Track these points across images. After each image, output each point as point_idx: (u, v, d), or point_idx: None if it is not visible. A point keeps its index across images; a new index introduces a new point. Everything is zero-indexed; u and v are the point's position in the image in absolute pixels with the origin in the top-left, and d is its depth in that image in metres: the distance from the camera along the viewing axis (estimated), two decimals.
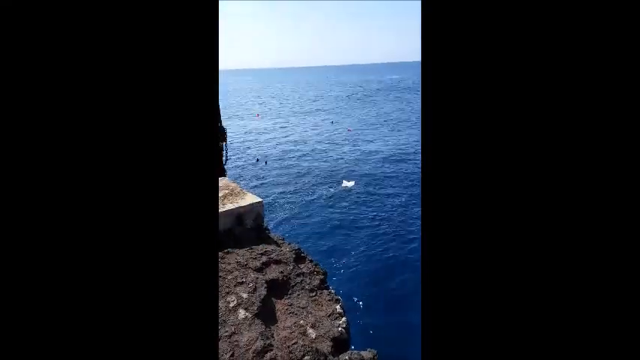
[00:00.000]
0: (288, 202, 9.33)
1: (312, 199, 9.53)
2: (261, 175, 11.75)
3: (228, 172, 4.81)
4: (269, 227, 2.82)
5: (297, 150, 15.22)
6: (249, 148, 15.65)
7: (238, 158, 13.60)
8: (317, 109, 28.86)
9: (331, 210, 8.77)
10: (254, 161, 13.09)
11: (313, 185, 10.65)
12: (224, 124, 5.75)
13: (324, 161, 13.31)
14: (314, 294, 1.95)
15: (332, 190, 10.15)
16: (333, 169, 12.18)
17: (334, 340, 1.61)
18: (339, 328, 1.69)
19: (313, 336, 1.61)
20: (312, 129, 20.24)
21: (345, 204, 9.10)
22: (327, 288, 2.04)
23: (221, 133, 5.63)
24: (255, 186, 10.41)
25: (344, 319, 1.76)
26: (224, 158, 5.79)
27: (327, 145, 16.04)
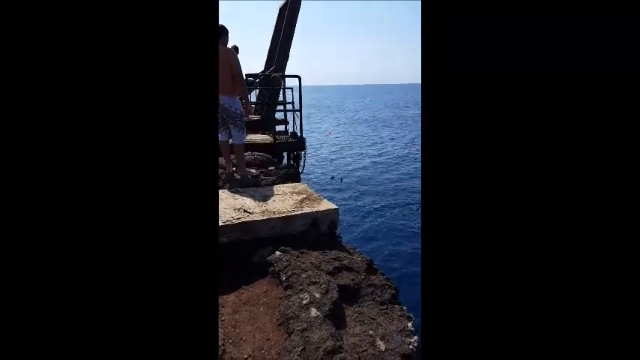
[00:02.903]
0: (362, 215, 9.24)
1: (388, 214, 9.29)
2: (337, 187, 11.87)
3: (304, 182, 5.00)
4: (341, 236, 2.84)
5: (380, 165, 15.04)
6: (329, 162, 15.89)
7: (313, 168, 13.95)
8: (404, 126, 28.32)
9: (407, 228, 8.43)
10: (329, 178, 13.28)
11: (391, 200, 10.38)
12: (304, 134, 6.03)
13: (408, 179, 12.88)
14: (385, 307, 1.91)
15: (412, 207, 9.75)
16: (416, 187, 11.69)
17: (404, 356, 1.55)
18: (410, 346, 1.61)
19: (382, 348, 1.56)
20: (398, 145, 19.87)
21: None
22: (398, 303, 1.98)
23: (300, 142, 5.91)
24: (330, 196, 10.58)
25: (415, 337, 1.68)
26: (301, 167, 6.06)
27: (414, 162, 15.48)
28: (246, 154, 4.50)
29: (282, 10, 7.65)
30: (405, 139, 22.23)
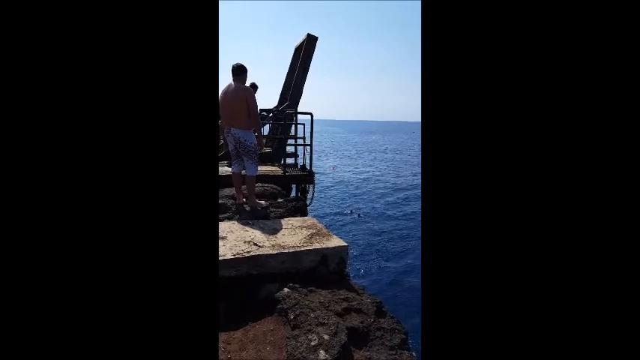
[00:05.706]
0: (372, 253, 9.08)
1: (400, 253, 9.10)
2: (344, 221, 11.75)
3: (313, 215, 5.01)
4: (350, 274, 2.81)
5: (395, 201, 14.93)
6: (342, 196, 15.84)
7: (323, 202, 13.91)
8: (407, 163, 28.57)
9: (418, 266, 8.21)
10: (334, 212, 13.20)
11: (404, 238, 10.21)
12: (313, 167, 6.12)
13: (412, 206, 12.72)
14: (394, 352, 1.85)
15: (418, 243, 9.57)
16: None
17: None
18: None
19: None
20: (404, 179, 19.87)
21: None
22: (408, 349, 1.92)
23: (309, 175, 5.98)
24: (339, 232, 10.45)
25: None
26: (309, 200, 6.08)
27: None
28: (257, 185, 4.56)
29: (297, 49, 8.04)
30: (410, 173, 22.34)
